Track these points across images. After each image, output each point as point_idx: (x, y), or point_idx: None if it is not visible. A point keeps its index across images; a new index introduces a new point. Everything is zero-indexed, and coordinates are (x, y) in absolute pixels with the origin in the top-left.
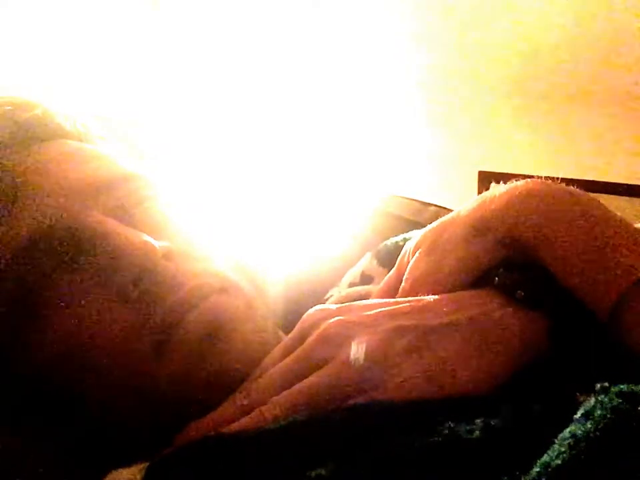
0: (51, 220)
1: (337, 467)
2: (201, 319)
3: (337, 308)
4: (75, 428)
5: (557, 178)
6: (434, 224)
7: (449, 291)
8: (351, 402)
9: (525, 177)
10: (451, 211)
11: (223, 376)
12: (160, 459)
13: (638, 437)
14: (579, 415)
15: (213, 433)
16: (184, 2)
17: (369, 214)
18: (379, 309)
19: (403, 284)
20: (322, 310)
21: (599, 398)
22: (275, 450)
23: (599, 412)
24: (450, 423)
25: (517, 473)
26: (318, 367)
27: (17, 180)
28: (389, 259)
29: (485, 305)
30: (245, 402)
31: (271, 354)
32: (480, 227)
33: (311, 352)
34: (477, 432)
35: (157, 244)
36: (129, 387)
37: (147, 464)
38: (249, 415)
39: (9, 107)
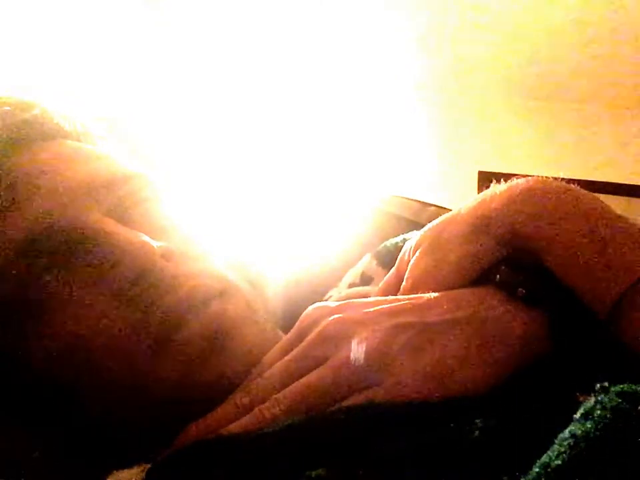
0: (49, 220)
1: (337, 467)
2: (202, 328)
3: (336, 306)
4: (75, 428)
5: (558, 178)
6: (434, 223)
7: (450, 290)
8: (351, 400)
9: (525, 177)
10: (451, 210)
11: (222, 376)
12: (161, 461)
13: (638, 437)
14: (578, 414)
15: (213, 434)
16: (183, 1)
17: (369, 214)
18: (379, 307)
19: (404, 283)
20: (321, 308)
21: (599, 398)
22: (275, 451)
23: (598, 412)
24: (449, 422)
25: (517, 473)
26: (317, 365)
27: (15, 180)
28: (388, 259)
29: (485, 303)
30: (245, 401)
31: (270, 352)
32: (480, 225)
33: (310, 350)
34: (477, 432)
35: (156, 244)
36: (128, 386)
37: (148, 465)
38: (249, 414)
39: (8, 107)
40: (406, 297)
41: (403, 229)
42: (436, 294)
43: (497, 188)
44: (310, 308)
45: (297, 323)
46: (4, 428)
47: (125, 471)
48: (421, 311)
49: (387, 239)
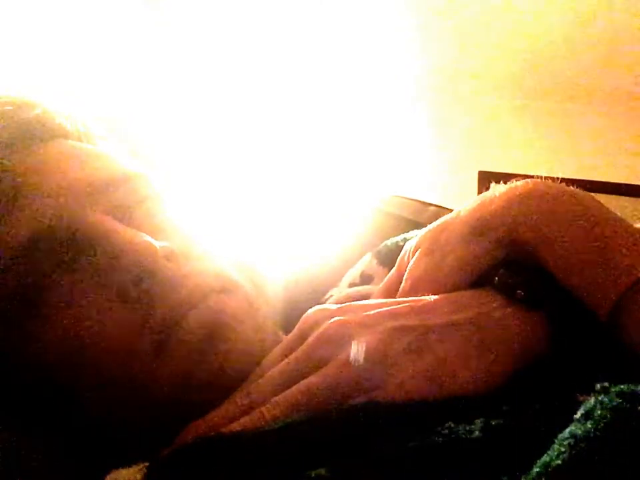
0: (51, 220)
1: (337, 467)
2: (201, 319)
3: (336, 308)
4: (75, 428)
5: (557, 178)
6: (434, 224)
7: (449, 291)
8: (351, 402)
9: (524, 177)
10: (451, 211)
11: (223, 376)
12: (160, 460)
13: (638, 437)
14: (578, 414)
15: (212, 433)
16: (183, 1)
17: (369, 214)
18: (379, 309)
19: (402, 284)
20: (322, 310)
21: (599, 398)
22: (275, 450)
23: (598, 412)
24: (450, 423)
25: (517, 473)
26: (318, 367)
27: (17, 180)
28: (389, 258)
29: (484, 305)
30: (245, 401)
31: (271, 354)
32: (480, 227)
33: (311, 352)
34: (477, 432)
35: (157, 244)
36: (129, 386)
37: (147, 464)
38: (249, 415)
39: (10, 107)
40: (406, 299)
41: (403, 228)
42: (436, 296)
43: (496, 190)
44: (311, 310)
45: (297, 325)
46: (4, 428)
47: (125, 469)
48: (421, 313)
49: (387, 239)
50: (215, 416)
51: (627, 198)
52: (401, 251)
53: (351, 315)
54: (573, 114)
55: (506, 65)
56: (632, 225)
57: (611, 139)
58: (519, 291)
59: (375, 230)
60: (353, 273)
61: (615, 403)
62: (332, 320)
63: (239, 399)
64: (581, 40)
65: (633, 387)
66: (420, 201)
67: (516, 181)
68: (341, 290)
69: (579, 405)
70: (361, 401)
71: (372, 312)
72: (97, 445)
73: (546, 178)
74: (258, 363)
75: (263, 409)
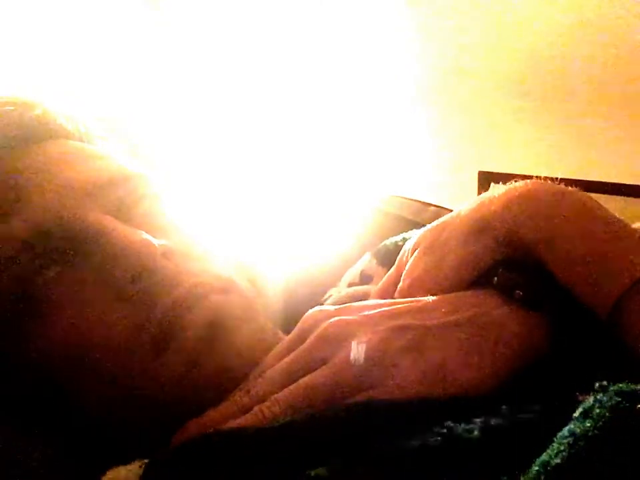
0: (50, 219)
1: (337, 466)
2: (200, 318)
3: (336, 309)
4: (75, 428)
5: (557, 178)
6: (433, 224)
7: (448, 291)
8: (350, 401)
9: (524, 177)
10: (451, 211)
11: (222, 375)
12: (159, 456)
13: (637, 436)
14: (577, 413)
15: (212, 430)
16: (183, 1)
17: (369, 214)
18: (378, 309)
19: (401, 283)
20: (321, 310)
21: (598, 397)
22: (275, 448)
23: (597, 411)
24: (449, 422)
25: (517, 473)
26: (318, 366)
27: (17, 179)
28: (388, 258)
29: (483, 305)
30: (245, 400)
31: (271, 353)
32: (479, 227)
33: (311, 351)
34: (476, 432)
35: (157, 242)
36: (129, 386)
37: (146, 461)
38: (249, 413)
39: (10, 107)
40: (405, 299)
41: (402, 228)
42: (434, 297)
43: (495, 190)
44: (311, 311)
45: (297, 325)
46: (3, 428)
47: (123, 467)
48: (420, 313)
49: (387, 239)
50: (215, 414)
51: (627, 198)
52: (400, 251)
53: (351, 315)
54: (573, 114)
55: (506, 64)
56: (630, 225)
57: (611, 138)
58: (517, 291)
59: (375, 230)
60: (353, 273)
61: (613, 402)
62: (332, 320)
63: (239, 397)
64: (582, 40)
65: (632, 386)
66: (420, 201)
67: (516, 181)
68: (340, 290)
69: (578, 404)
70: (361, 400)
71: (371, 312)
72: (96, 445)
73: (546, 178)
74: (257, 363)
75: (263, 406)
